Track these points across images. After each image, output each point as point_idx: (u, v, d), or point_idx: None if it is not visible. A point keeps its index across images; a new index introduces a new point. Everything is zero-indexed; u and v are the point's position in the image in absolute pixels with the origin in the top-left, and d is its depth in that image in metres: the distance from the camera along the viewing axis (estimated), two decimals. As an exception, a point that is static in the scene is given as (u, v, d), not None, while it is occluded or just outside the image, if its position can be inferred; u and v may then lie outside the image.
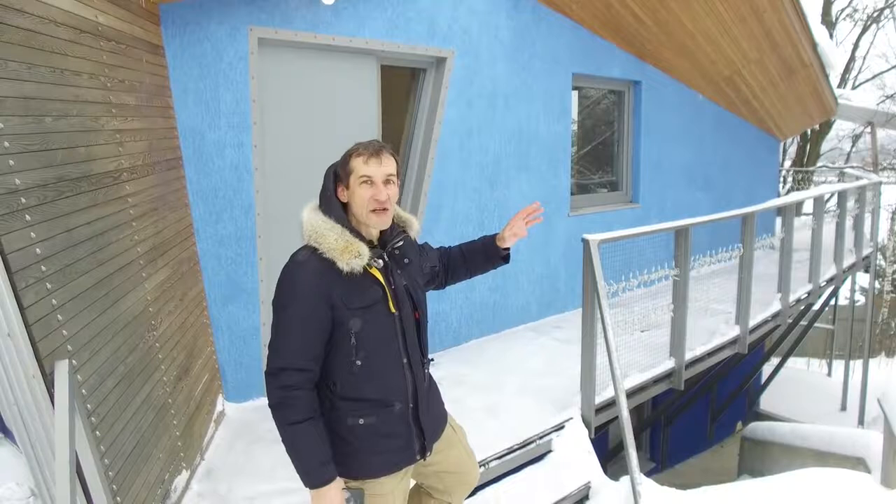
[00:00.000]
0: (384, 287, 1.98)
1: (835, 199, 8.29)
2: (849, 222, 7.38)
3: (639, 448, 3.82)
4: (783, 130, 9.56)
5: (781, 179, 14.27)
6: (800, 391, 10.25)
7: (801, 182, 13.53)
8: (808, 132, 16.32)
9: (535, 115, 5.77)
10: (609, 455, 6.10)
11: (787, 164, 16.75)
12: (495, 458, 3.47)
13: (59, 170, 2.22)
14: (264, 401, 1.93)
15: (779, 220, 7.07)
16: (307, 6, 4.07)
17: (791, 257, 5.82)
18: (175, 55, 3.56)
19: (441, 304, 5.10)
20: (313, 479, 1.88)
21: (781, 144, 12.03)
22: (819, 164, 17.04)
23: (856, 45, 18.26)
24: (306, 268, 1.92)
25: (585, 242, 3.76)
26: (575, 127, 6.83)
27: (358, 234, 1.96)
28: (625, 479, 3.57)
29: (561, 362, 4.73)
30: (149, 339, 2.79)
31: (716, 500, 3.71)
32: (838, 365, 11.15)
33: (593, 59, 6.29)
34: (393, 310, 1.99)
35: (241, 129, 3.86)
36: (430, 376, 2.19)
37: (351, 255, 1.90)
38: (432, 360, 2.20)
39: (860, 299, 12.96)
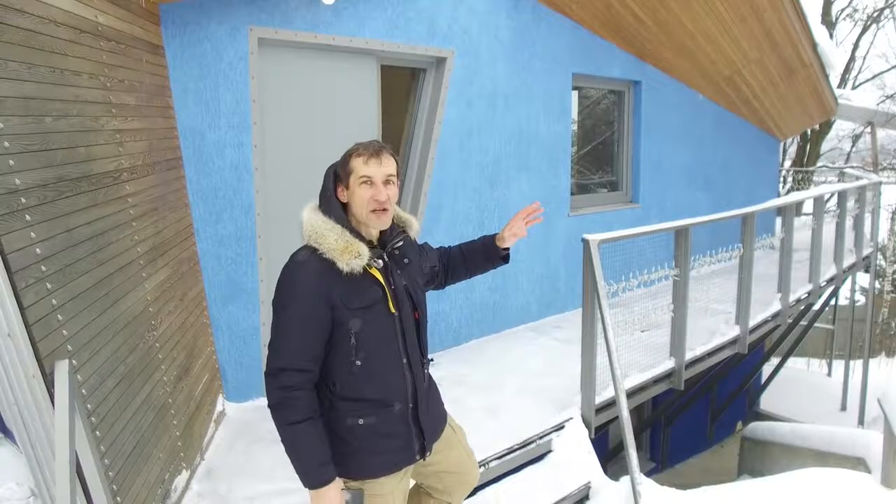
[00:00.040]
0: (384, 287, 1.98)
1: (835, 199, 8.29)
2: (849, 222, 7.38)
3: (639, 448, 3.82)
4: (783, 130, 9.56)
5: (781, 179, 14.27)
6: (800, 391, 10.25)
7: (801, 182, 13.52)
8: (808, 132, 16.32)
9: (535, 115, 5.77)
10: (609, 455, 6.10)
11: (787, 164, 16.75)
12: (495, 458, 3.47)
13: (59, 170, 2.22)
14: (264, 401, 1.93)
15: (779, 220, 7.07)
16: (307, 6, 4.07)
17: (791, 257, 5.82)
18: (175, 55, 3.56)
19: (441, 304, 5.10)
20: (312, 479, 1.88)
21: (781, 144, 12.03)
22: (819, 164, 17.04)
23: (856, 45, 18.27)
24: (306, 268, 1.92)
25: (585, 242, 3.76)
26: (575, 127, 6.83)
27: (358, 235, 1.96)
28: (625, 479, 3.57)
29: (561, 362, 4.73)
30: (149, 339, 2.79)
31: (716, 500, 3.71)
32: (838, 365, 11.15)
33: (593, 59, 6.29)
34: (393, 310, 1.99)
35: (241, 129, 3.86)
36: (430, 376, 2.19)
37: (351, 256, 1.90)
38: (432, 360, 2.20)
39: (860, 299, 12.96)
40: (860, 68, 18.66)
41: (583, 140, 7.28)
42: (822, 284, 6.82)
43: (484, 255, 2.40)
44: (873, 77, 18.03)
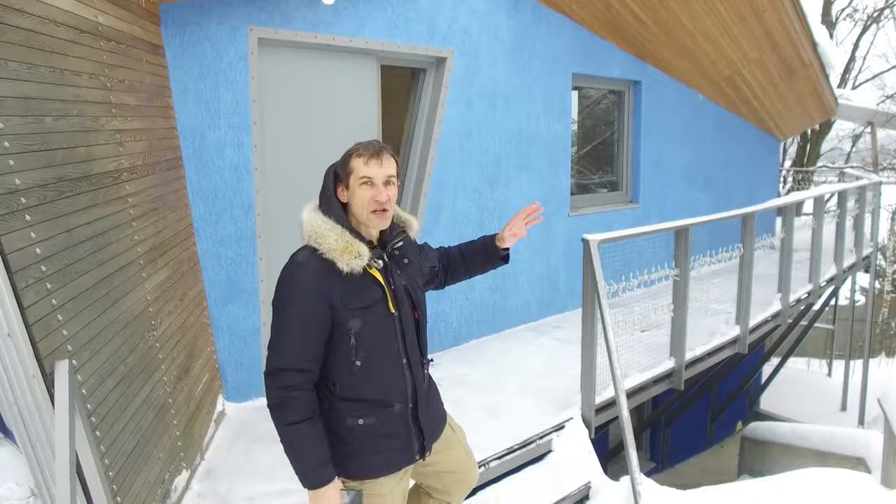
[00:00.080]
0: (384, 287, 1.98)
1: (835, 199, 8.29)
2: (849, 222, 7.38)
3: (639, 448, 3.82)
4: (783, 130, 9.56)
5: (781, 179, 14.27)
6: (800, 391, 10.25)
7: (801, 182, 13.52)
8: (808, 132, 16.32)
9: (535, 115, 5.77)
10: (609, 455, 6.10)
11: (787, 164, 16.75)
12: (495, 458, 3.47)
13: (59, 170, 2.22)
14: (264, 401, 1.93)
15: (779, 220, 7.07)
16: (307, 6, 4.07)
17: (791, 257, 5.82)
18: (175, 55, 3.56)
19: (441, 304, 5.10)
20: (311, 479, 1.88)
21: (781, 144, 12.02)
22: (819, 164, 17.04)
23: (856, 45, 18.27)
24: (306, 268, 1.92)
25: (585, 242, 3.76)
26: (575, 127, 6.83)
27: (358, 235, 1.96)
28: (625, 479, 3.57)
29: (561, 362, 4.73)
30: (149, 339, 2.79)
31: (716, 500, 3.71)
32: (838, 365, 11.15)
33: (593, 59, 6.29)
34: (392, 310, 1.99)
35: (241, 129, 3.86)
36: (430, 376, 2.19)
37: (351, 256, 1.90)
38: (432, 360, 2.20)
39: (860, 299, 12.96)
40: (860, 68, 18.70)
41: (583, 140, 7.28)
42: (822, 284, 6.82)
43: (484, 255, 2.40)
44: (873, 77, 18.04)
